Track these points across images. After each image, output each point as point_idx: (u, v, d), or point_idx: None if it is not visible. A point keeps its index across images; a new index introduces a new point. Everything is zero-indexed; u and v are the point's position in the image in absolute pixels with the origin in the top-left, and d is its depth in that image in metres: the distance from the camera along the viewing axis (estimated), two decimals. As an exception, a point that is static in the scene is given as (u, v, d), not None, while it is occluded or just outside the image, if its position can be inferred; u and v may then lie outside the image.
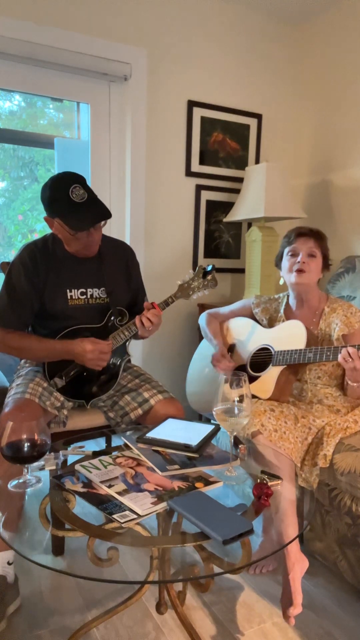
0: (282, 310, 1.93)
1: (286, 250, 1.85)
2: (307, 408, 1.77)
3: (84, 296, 1.73)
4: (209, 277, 1.71)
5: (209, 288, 1.72)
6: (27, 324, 1.72)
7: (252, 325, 1.98)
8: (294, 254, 1.82)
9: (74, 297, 1.71)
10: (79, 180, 1.56)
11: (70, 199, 1.53)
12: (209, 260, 3.02)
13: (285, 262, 1.85)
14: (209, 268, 1.71)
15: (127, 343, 1.82)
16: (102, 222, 1.62)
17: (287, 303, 1.94)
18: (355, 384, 1.68)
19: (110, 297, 1.75)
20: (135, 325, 1.68)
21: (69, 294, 1.70)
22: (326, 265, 1.86)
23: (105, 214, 1.58)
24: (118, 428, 1.76)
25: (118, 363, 1.78)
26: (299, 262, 1.79)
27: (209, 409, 1.95)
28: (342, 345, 1.64)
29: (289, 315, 1.92)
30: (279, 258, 1.90)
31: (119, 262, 1.82)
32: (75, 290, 1.71)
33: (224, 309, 2.13)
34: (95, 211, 1.57)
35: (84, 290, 1.73)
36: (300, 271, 1.79)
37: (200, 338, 2.19)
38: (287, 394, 1.80)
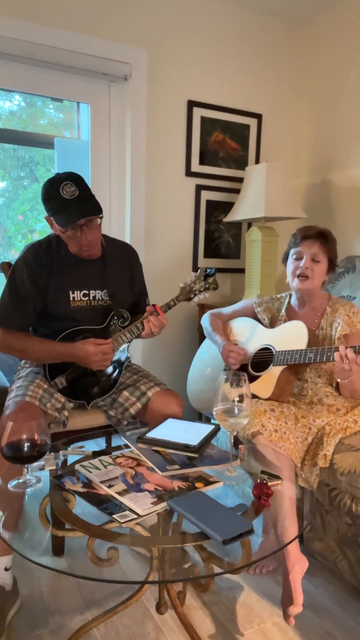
0: (283, 310, 1.93)
1: (291, 252, 1.84)
2: (307, 408, 1.77)
3: (87, 298, 1.72)
4: (210, 280, 1.72)
5: (210, 290, 1.73)
6: (29, 324, 1.72)
7: (254, 325, 1.98)
8: (298, 258, 1.80)
9: (76, 299, 1.71)
10: (72, 178, 1.56)
11: (61, 196, 1.54)
12: (208, 260, 3.01)
13: (290, 265, 1.84)
14: (211, 271, 1.72)
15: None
16: (99, 221, 1.61)
17: (289, 303, 1.94)
18: (345, 381, 1.67)
19: (112, 299, 1.75)
20: (137, 328, 1.67)
21: (71, 296, 1.70)
22: (332, 268, 1.84)
23: (92, 211, 1.57)
24: (120, 426, 1.76)
25: (119, 364, 1.78)
26: (301, 266, 1.78)
27: (210, 408, 1.95)
28: (344, 346, 1.62)
29: (290, 315, 1.92)
30: (286, 256, 1.89)
31: (122, 264, 1.82)
32: (78, 291, 1.71)
33: (227, 309, 2.13)
34: (83, 208, 1.56)
35: (86, 292, 1.72)
36: (302, 276, 1.78)
37: (201, 338, 2.19)
38: (287, 393, 1.79)
